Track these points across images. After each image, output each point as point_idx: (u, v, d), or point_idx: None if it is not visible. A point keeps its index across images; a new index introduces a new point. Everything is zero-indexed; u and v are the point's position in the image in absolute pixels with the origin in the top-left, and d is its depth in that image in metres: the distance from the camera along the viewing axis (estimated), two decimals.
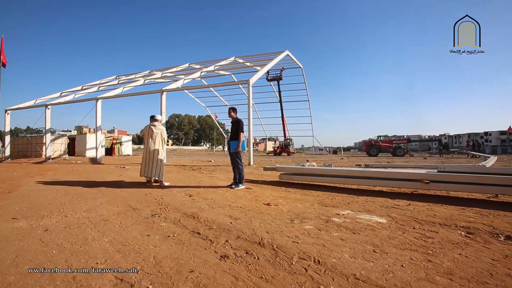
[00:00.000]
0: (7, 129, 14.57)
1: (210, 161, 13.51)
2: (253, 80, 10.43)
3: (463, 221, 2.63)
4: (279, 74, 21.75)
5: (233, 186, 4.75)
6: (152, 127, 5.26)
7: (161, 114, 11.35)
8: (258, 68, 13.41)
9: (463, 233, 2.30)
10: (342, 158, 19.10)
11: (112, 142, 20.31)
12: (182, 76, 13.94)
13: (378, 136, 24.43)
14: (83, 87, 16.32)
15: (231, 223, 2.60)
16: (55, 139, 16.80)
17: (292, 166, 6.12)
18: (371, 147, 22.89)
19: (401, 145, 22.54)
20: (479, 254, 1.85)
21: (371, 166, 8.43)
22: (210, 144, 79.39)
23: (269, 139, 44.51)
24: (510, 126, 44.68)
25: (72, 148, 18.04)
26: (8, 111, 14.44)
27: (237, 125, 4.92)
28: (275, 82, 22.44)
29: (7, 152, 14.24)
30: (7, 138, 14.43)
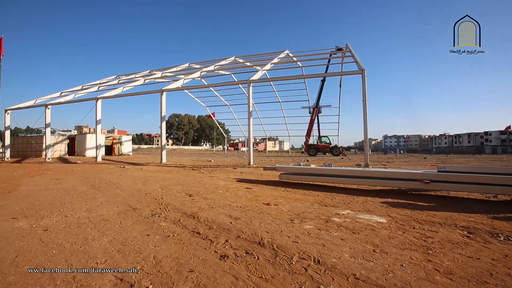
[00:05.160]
0: (7, 129, 14.57)
1: (210, 161, 13.52)
2: (253, 79, 10.43)
3: (463, 221, 2.63)
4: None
5: None
6: None
7: (161, 114, 11.38)
8: (258, 68, 13.40)
9: (463, 233, 2.30)
10: (342, 158, 19.12)
11: (112, 142, 20.33)
12: (182, 76, 13.94)
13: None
14: (83, 87, 16.32)
15: (231, 223, 2.60)
16: (55, 139, 16.82)
17: (292, 166, 6.12)
18: (310, 148, 24.01)
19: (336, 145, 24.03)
20: (479, 254, 1.85)
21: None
22: (210, 144, 79.40)
23: (269, 139, 44.50)
24: (509, 126, 44.70)
25: (72, 148, 18.07)
26: (8, 111, 14.43)
27: None
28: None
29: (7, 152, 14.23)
30: (7, 138, 14.42)
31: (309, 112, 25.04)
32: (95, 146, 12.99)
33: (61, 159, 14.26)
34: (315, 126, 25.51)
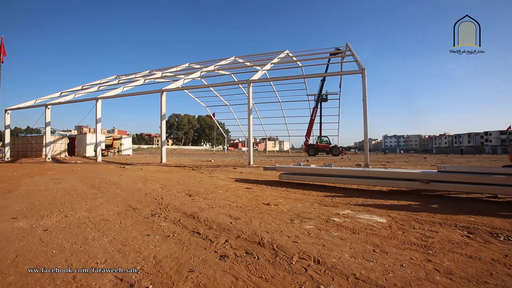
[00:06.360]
0: (7, 128, 14.56)
1: (210, 161, 13.51)
2: (253, 79, 10.43)
3: (463, 221, 2.63)
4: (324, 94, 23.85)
5: None
6: None
7: (161, 114, 11.38)
8: (258, 68, 13.40)
9: (463, 233, 2.30)
10: (342, 158, 19.12)
11: (112, 142, 20.34)
12: (182, 76, 13.94)
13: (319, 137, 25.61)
14: (83, 87, 16.31)
15: (231, 223, 2.60)
16: (55, 139, 16.82)
17: (292, 166, 6.12)
18: (309, 148, 24.60)
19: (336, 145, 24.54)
20: (479, 254, 1.85)
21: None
22: (210, 144, 79.38)
23: (269, 139, 44.47)
24: (510, 126, 44.76)
25: (72, 148, 18.07)
26: (8, 111, 14.43)
27: None
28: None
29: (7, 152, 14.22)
30: (7, 138, 14.41)
31: (314, 100, 25.06)
32: (95, 146, 12.99)
33: (61, 159, 14.26)
34: (316, 125, 25.55)
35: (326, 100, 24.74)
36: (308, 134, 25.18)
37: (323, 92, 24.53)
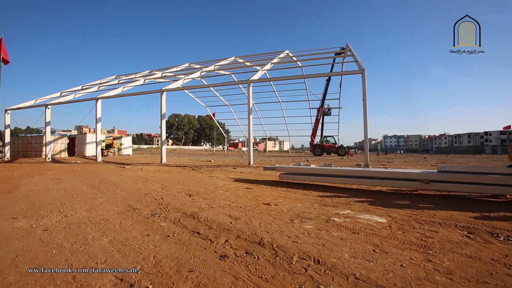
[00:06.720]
0: (7, 128, 14.56)
1: (210, 161, 13.51)
2: (253, 79, 10.43)
3: (463, 221, 2.63)
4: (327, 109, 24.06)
5: None
6: None
7: (161, 114, 11.38)
8: (258, 68, 13.40)
9: (463, 233, 2.30)
10: (342, 158, 19.11)
11: (112, 142, 20.33)
12: (182, 76, 13.93)
13: (325, 137, 25.51)
14: (83, 87, 16.31)
15: (231, 223, 2.60)
16: (55, 139, 16.82)
17: (292, 166, 6.12)
18: (315, 148, 24.68)
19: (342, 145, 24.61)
20: (479, 254, 1.85)
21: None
22: (210, 144, 79.40)
23: (269, 139, 44.47)
24: (509, 125, 44.74)
25: (72, 148, 18.06)
26: (8, 111, 14.43)
27: None
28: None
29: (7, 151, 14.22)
30: (7, 138, 14.41)
31: (316, 100, 24.96)
32: (95, 146, 12.99)
33: (61, 159, 14.26)
34: (319, 126, 25.48)
35: (328, 114, 24.66)
36: (313, 134, 25.11)
37: (326, 99, 24.43)
